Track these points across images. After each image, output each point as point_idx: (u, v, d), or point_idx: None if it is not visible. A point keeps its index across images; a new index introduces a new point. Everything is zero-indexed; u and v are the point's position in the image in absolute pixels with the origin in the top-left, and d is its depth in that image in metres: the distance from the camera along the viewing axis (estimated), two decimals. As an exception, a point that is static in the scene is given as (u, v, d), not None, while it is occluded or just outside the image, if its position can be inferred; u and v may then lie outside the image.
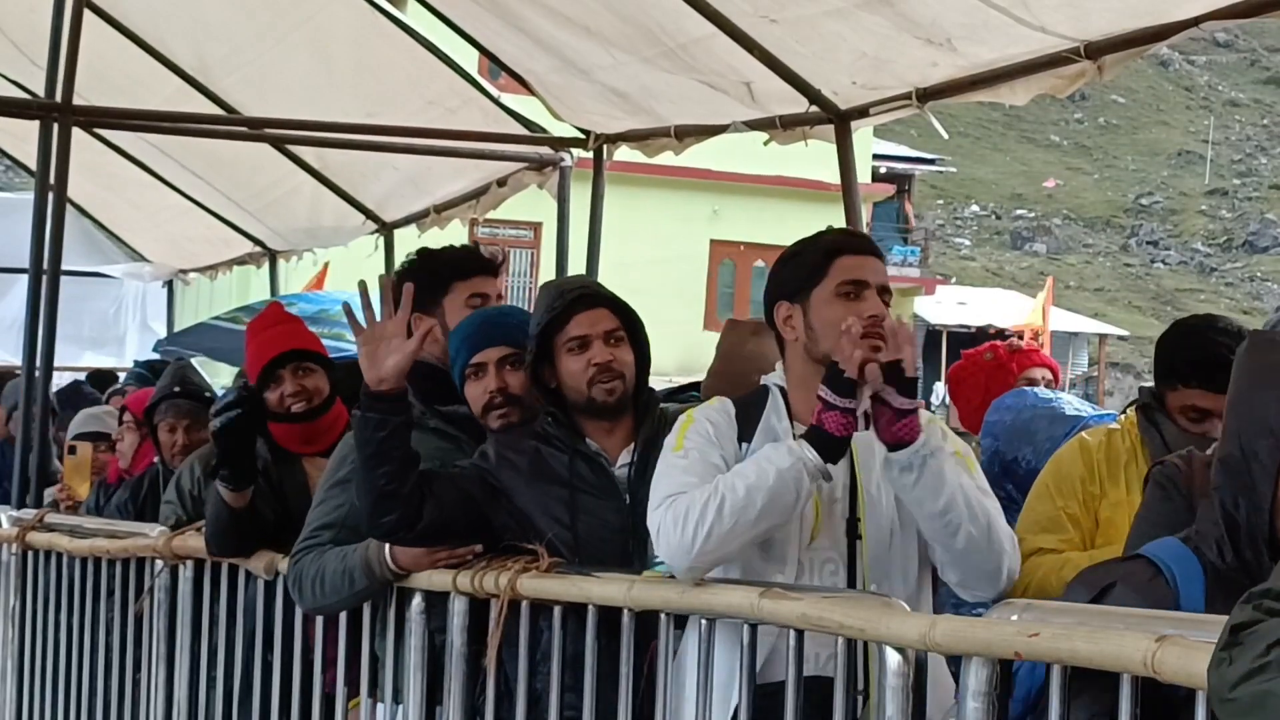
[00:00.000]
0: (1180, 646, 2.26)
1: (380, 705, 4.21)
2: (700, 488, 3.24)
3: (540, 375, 3.82)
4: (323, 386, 4.88)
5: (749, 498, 3.17)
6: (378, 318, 3.77)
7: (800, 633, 3.05)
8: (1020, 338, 6.52)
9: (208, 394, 6.11)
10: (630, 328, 3.86)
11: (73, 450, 6.73)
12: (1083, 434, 4.11)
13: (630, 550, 3.70)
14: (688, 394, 4.92)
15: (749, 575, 3.31)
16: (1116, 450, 3.95)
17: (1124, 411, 4.20)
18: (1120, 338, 44.04)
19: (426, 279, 4.16)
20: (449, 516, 3.77)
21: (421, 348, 3.78)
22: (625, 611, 3.40)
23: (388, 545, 3.95)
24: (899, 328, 3.21)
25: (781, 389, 3.46)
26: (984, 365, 5.40)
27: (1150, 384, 4.10)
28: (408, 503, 3.68)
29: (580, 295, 3.82)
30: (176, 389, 5.93)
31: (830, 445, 3.20)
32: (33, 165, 8.03)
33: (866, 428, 3.24)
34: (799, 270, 3.44)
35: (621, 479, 3.77)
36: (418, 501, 3.69)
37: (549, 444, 3.80)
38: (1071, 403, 4.75)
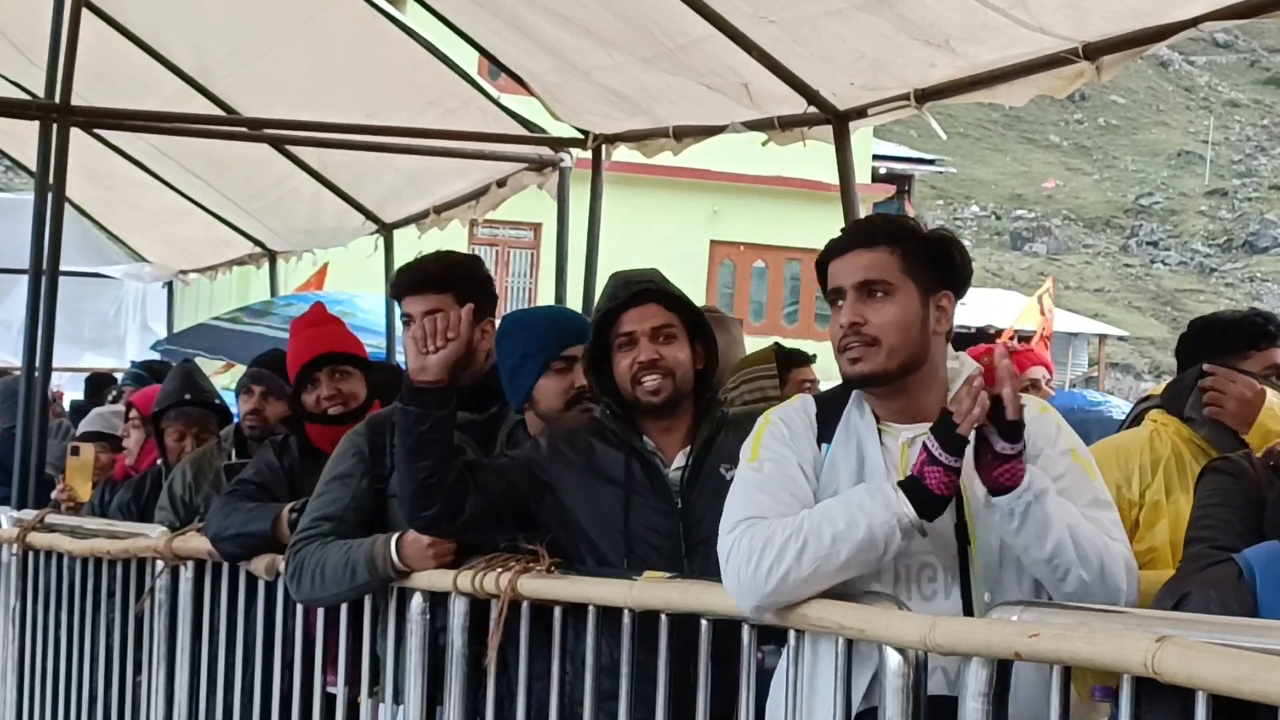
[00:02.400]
0: (1180, 647, 2.26)
1: (381, 706, 4.21)
2: (780, 520, 2.99)
3: (600, 368, 3.76)
4: (359, 391, 4.88)
5: (834, 547, 2.93)
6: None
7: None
8: (1027, 340, 6.46)
9: (216, 400, 6.12)
10: (691, 324, 3.76)
11: (75, 451, 6.71)
12: (1115, 437, 4.12)
13: (681, 555, 3.62)
14: None
15: (843, 583, 3.04)
16: (1158, 452, 3.95)
17: (1139, 414, 4.19)
18: (1120, 338, 44.02)
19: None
20: (493, 509, 3.71)
21: (470, 341, 3.72)
22: (625, 612, 3.38)
23: (393, 541, 3.94)
24: (999, 363, 3.00)
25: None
26: (983, 367, 5.33)
27: (1145, 383, 4.11)
28: (449, 495, 3.63)
29: (638, 290, 3.74)
30: (187, 396, 5.91)
31: (929, 503, 2.96)
32: (32, 166, 8.03)
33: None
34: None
35: (674, 481, 3.69)
36: (460, 494, 3.64)
37: (605, 440, 3.73)
38: (1120, 406, 4.75)
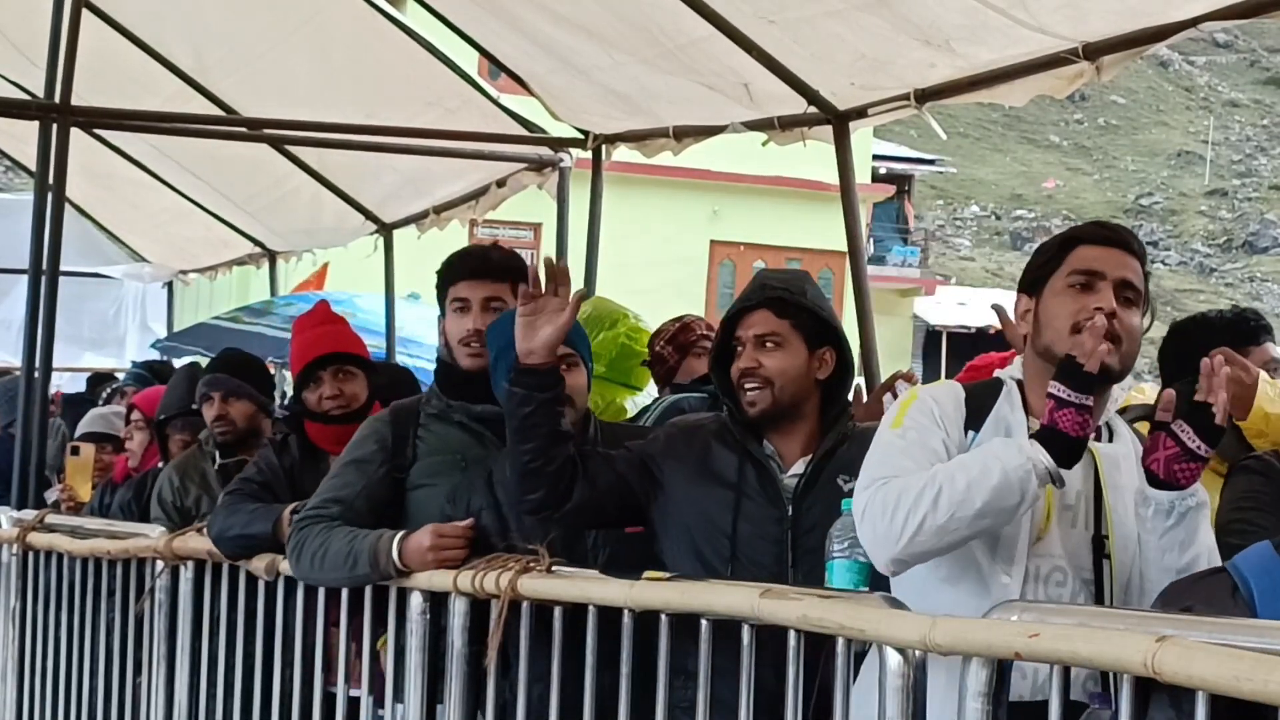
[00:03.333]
0: (1180, 647, 2.26)
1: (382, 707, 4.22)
2: (915, 474, 2.96)
3: (725, 367, 3.71)
4: (361, 392, 4.88)
5: (969, 493, 2.88)
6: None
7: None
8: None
9: None
10: (815, 333, 3.68)
11: (75, 451, 6.70)
12: None
13: (787, 563, 3.55)
14: (701, 391, 4.90)
15: (969, 572, 3.06)
16: None
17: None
18: (1120, 338, 44.04)
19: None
20: (600, 500, 3.66)
21: (573, 320, 3.66)
22: (625, 612, 3.38)
23: (396, 540, 3.90)
24: (1221, 369, 2.91)
25: (1018, 381, 3.19)
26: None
27: (1145, 383, 4.11)
28: (554, 481, 3.58)
29: (765, 298, 3.68)
30: (194, 406, 5.90)
31: (1065, 447, 2.93)
32: (32, 166, 8.03)
33: (1110, 440, 3.08)
34: (1037, 260, 3.21)
35: (788, 488, 3.62)
36: (567, 481, 3.59)
37: (722, 441, 3.67)
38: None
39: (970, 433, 3.10)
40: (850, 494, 3.28)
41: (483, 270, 4.12)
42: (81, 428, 7.00)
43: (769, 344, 3.64)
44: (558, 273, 3.68)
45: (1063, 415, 2.92)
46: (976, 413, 3.12)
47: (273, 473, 4.84)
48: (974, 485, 2.87)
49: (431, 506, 4.05)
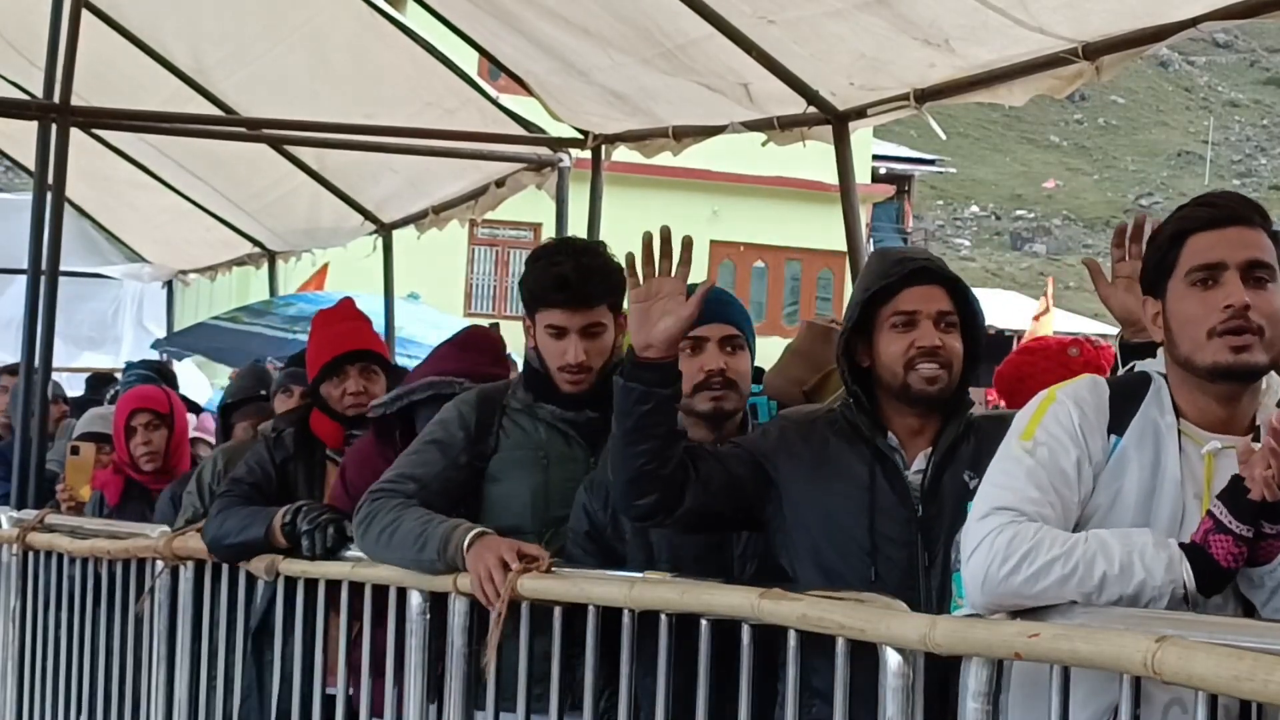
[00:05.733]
0: (1180, 647, 2.26)
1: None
2: (1051, 531, 2.65)
3: (853, 350, 3.40)
4: (380, 394, 4.74)
5: (1100, 588, 2.60)
6: (656, 272, 3.36)
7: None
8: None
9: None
10: (967, 316, 3.42)
11: (75, 450, 6.64)
12: None
13: (919, 569, 3.30)
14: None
15: None
16: None
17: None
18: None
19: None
20: (714, 503, 3.39)
21: (698, 312, 3.33)
22: (625, 612, 3.37)
23: (470, 536, 3.64)
24: (1269, 437, 2.56)
25: (1164, 375, 2.87)
26: (1067, 363, 4.50)
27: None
28: (669, 485, 3.31)
29: (921, 268, 3.37)
30: (263, 391, 5.91)
31: (1213, 576, 2.61)
32: (32, 166, 8.02)
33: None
34: (1151, 258, 2.89)
35: (914, 485, 3.36)
36: (680, 483, 3.31)
37: (843, 435, 3.39)
38: None
39: (1113, 437, 2.80)
40: (973, 487, 3.15)
41: (580, 299, 3.81)
42: (81, 427, 6.92)
43: (945, 324, 3.36)
44: (671, 248, 3.37)
45: (1218, 541, 2.61)
46: (1121, 414, 2.82)
47: (263, 472, 4.78)
48: (1109, 583, 2.60)
49: (513, 503, 3.89)
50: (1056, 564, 2.61)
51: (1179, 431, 2.78)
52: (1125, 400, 2.82)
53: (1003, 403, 4.65)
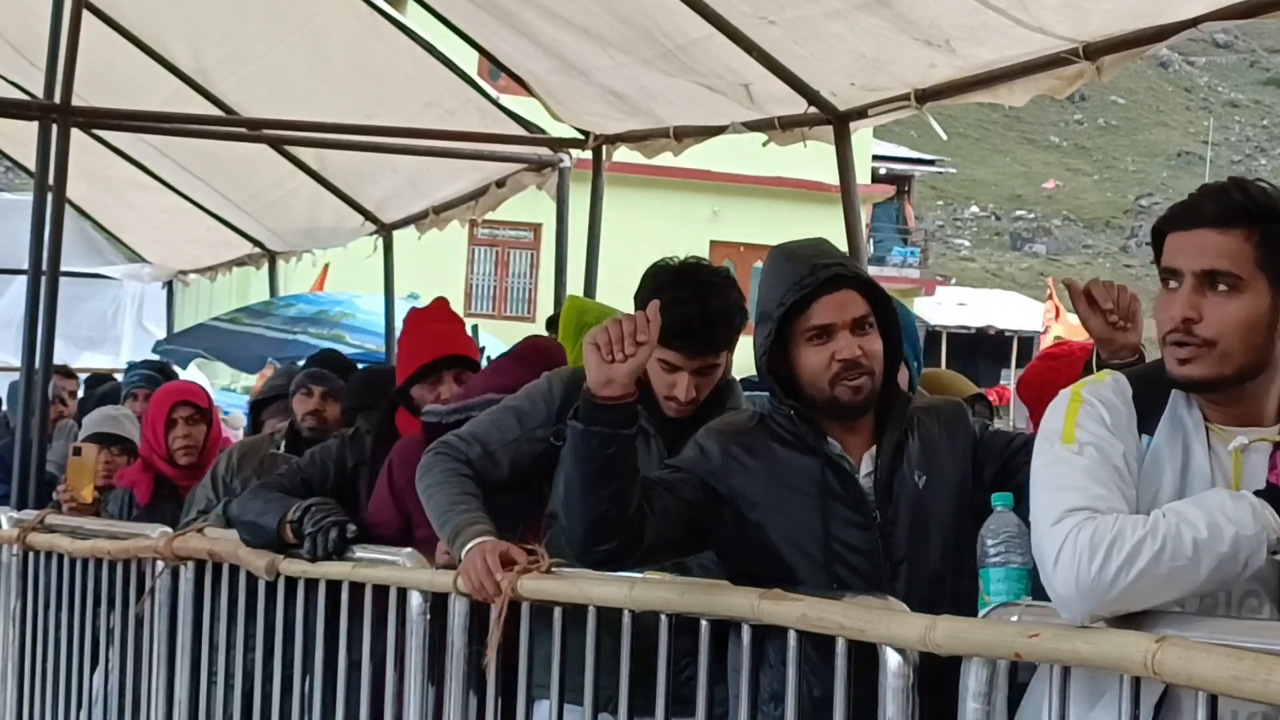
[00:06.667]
0: (1180, 647, 2.26)
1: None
2: (1127, 517, 2.51)
3: (775, 362, 3.28)
4: None
5: (1195, 556, 2.44)
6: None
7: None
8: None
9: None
10: (881, 311, 3.31)
11: (77, 451, 6.58)
12: None
13: (884, 576, 3.21)
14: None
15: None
16: None
17: None
18: (1119, 338, 44.01)
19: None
20: (673, 535, 3.24)
21: (655, 340, 3.13)
22: (625, 612, 3.37)
23: (471, 544, 3.56)
24: None
25: None
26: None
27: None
28: (629, 526, 3.14)
29: (831, 275, 3.24)
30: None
31: None
32: (32, 166, 8.03)
33: None
34: (1155, 254, 2.76)
35: (866, 488, 3.27)
36: (640, 522, 3.15)
37: (788, 445, 3.28)
38: None
39: (1144, 436, 2.67)
40: (922, 486, 3.17)
41: (700, 347, 3.65)
42: (90, 427, 6.78)
43: (863, 328, 3.26)
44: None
45: None
46: (1147, 413, 2.70)
47: (321, 468, 4.65)
48: (1202, 548, 2.44)
49: None
50: (1145, 545, 2.45)
51: (1206, 429, 2.68)
52: (1150, 398, 2.71)
53: (1028, 408, 4.59)
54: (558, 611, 3.46)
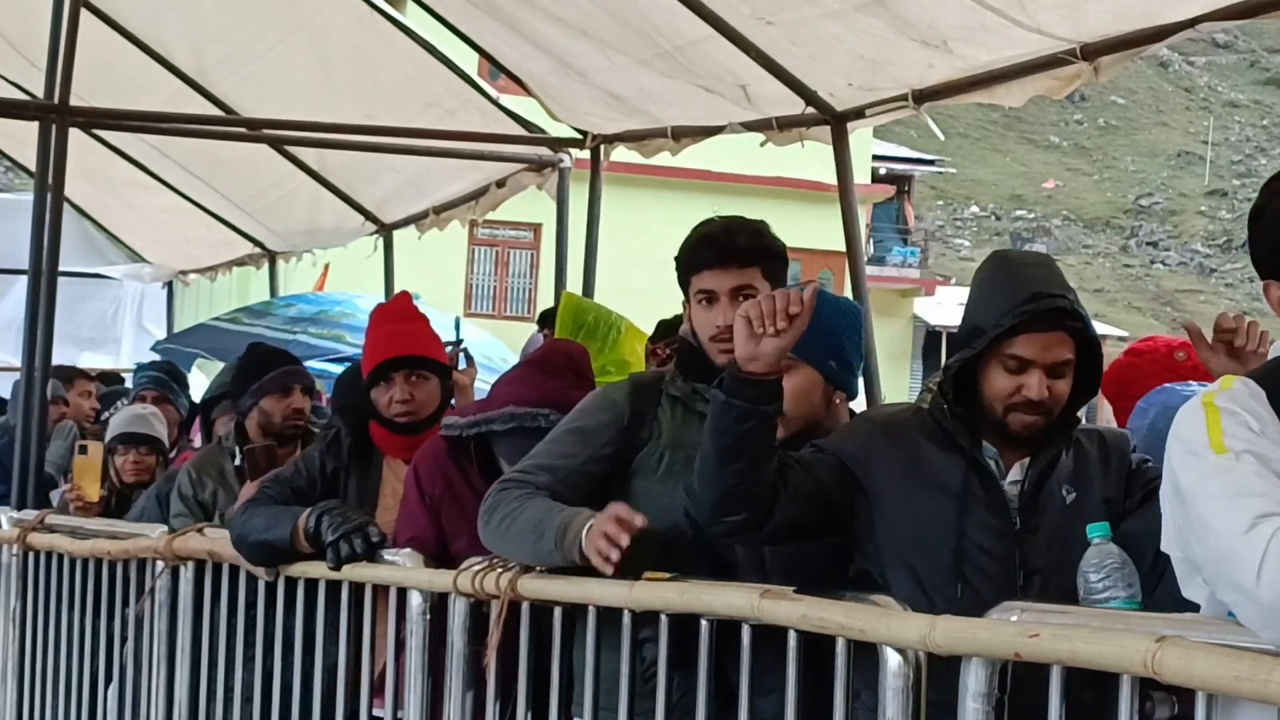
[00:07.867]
0: (1180, 647, 2.26)
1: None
2: None
3: (964, 369, 3.22)
4: (432, 398, 4.57)
5: None
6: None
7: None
8: None
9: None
10: (1087, 356, 3.23)
11: (83, 450, 6.52)
12: None
13: (1016, 584, 3.15)
14: None
15: None
16: None
17: None
18: (1120, 338, 44.04)
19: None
20: (801, 514, 3.23)
21: (808, 321, 3.11)
22: (625, 612, 3.37)
23: (587, 528, 3.37)
24: None
25: None
26: (1174, 366, 4.39)
27: None
28: (759, 502, 3.15)
29: (1052, 310, 3.15)
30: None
31: None
32: (32, 166, 8.03)
33: None
34: (1269, 237, 2.71)
35: (1011, 496, 3.23)
36: (770, 500, 3.15)
37: (936, 441, 3.26)
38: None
39: None
40: (1070, 501, 3.13)
41: (728, 256, 3.57)
42: (117, 428, 6.61)
43: (1058, 373, 3.19)
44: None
45: None
46: None
47: (309, 479, 4.56)
48: None
49: (675, 501, 3.49)
50: None
51: None
52: (1275, 397, 2.54)
53: (1111, 404, 4.54)
54: (627, 619, 3.32)
